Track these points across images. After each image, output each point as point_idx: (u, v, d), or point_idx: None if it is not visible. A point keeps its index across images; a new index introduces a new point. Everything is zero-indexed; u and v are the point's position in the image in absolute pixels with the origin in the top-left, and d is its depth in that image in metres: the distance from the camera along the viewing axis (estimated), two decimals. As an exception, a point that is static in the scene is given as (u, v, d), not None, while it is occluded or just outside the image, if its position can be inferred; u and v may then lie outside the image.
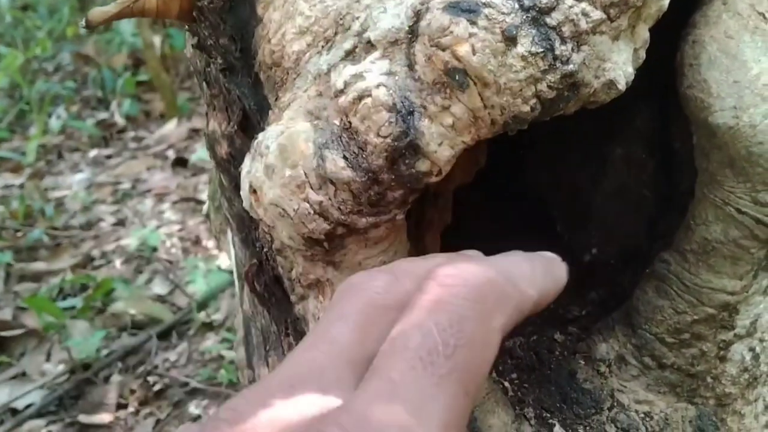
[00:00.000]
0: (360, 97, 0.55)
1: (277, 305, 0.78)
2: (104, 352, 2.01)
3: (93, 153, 3.12)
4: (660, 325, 0.71)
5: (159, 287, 2.31)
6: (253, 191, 0.60)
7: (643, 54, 0.62)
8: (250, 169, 0.61)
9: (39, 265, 2.35)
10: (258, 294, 0.79)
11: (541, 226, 1.07)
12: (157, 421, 1.87)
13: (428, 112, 0.55)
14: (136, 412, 1.90)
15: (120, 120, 3.36)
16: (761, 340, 0.74)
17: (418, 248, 0.76)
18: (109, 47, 3.63)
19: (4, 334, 2.03)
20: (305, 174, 0.56)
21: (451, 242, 1.14)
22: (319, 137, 0.56)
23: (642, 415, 0.72)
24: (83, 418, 1.84)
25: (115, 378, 1.97)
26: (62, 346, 1.98)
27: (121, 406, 1.92)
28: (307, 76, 0.60)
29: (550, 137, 1.01)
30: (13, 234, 2.53)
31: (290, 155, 0.57)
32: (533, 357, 0.76)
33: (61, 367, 1.98)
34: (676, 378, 0.72)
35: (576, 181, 0.98)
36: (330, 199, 0.56)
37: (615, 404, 0.71)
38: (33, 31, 3.95)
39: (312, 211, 0.57)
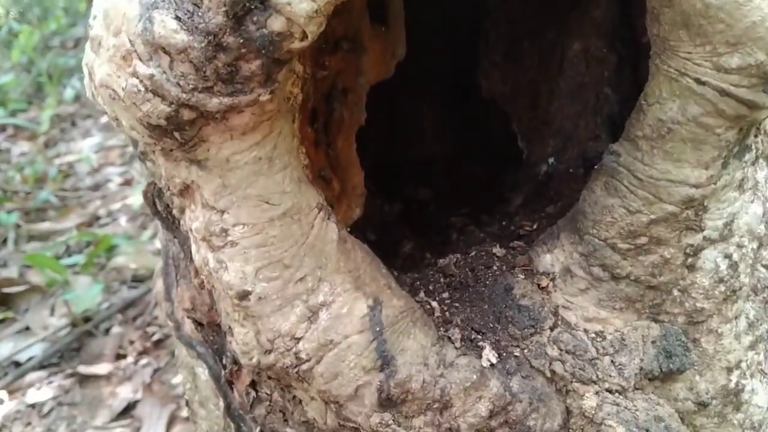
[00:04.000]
0: (188, -64, 0.40)
1: (181, 228, 0.64)
2: (105, 305, 1.92)
3: (104, 119, 3.02)
4: (610, 228, 0.55)
5: (162, 242, 2.21)
6: (90, 76, 0.46)
7: None
8: (87, 50, 0.46)
9: (47, 225, 2.26)
10: (160, 216, 0.65)
11: (501, 145, 0.91)
12: (155, 370, 1.78)
13: (275, -51, 0.40)
14: (135, 362, 1.81)
15: (131, 86, 3.24)
16: (739, 246, 0.58)
17: (329, 154, 0.61)
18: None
19: (9, 290, 1.95)
20: (130, 41, 0.42)
21: (412, 164, 1.00)
22: (146, -6, 0.42)
23: (592, 335, 0.57)
24: (83, 369, 1.76)
25: (115, 330, 1.88)
26: (63, 300, 1.90)
27: (120, 357, 1.83)
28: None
29: (505, 40, 0.85)
30: (24, 197, 2.44)
31: (113, 20, 0.42)
32: (468, 274, 0.61)
33: (63, 321, 1.90)
34: (634, 291, 0.57)
35: (534, 86, 0.82)
36: (164, 72, 0.42)
37: (559, 323, 0.56)
38: (52, 9, 3.85)
39: (143, 89, 0.42)
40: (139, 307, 1.94)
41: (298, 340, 0.50)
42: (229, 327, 0.53)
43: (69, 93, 3.20)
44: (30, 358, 1.80)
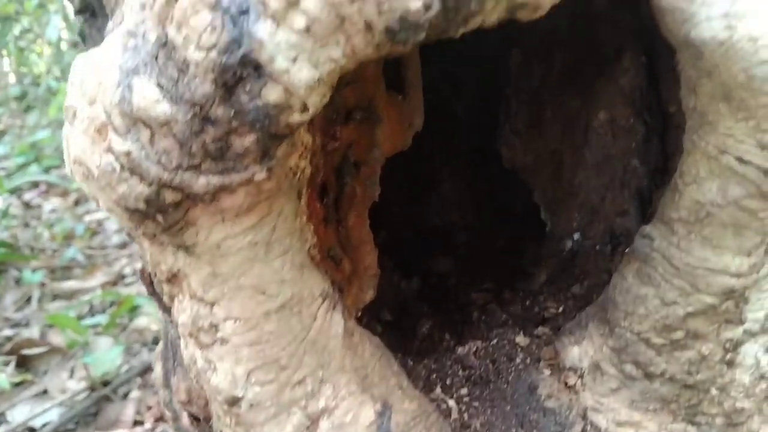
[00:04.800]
0: (176, -4, 0.35)
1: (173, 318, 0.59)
2: (125, 368, 1.86)
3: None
4: (644, 321, 0.49)
5: (186, 303, 2.16)
6: (67, 149, 0.41)
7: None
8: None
9: (71, 284, 2.23)
10: (158, 298, 0.60)
11: (524, 215, 0.85)
12: (171, 438, 1.70)
13: (270, 10, 0.34)
14: (152, 429, 1.74)
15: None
16: (784, 339, 0.51)
17: (339, 232, 0.56)
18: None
19: (28, 352, 1.90)
20: (106, 112, 0.37)
21: (431, 234, 0.94)
22: (129, 60, 0.37)
23: (626, 441, 0.49)
24: (97, 437, 1.69)
25: (134, 394, 1.82)
26: (81, 363, 1.84)
27: (137, 423, 1.76)
28: (133, -8, 0.41)
29: (527, 109, 0.80)
30: (51, 254, 2.42)
31: (89, 88, 0.38)
32: (489, 366, 0.54)
33: (82, 384, 1.84)
34: (669, 391, 0.50)
35: (558, 156, 0.76)
36: (144, 148, 0.37)
37: (588, 428, 0.49)
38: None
39: (119, 167, 0.37)
40: (157, 370, 1.89)
41: (295, 451, 0.43)
42: None
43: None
44: (45, 424, 1.73)
